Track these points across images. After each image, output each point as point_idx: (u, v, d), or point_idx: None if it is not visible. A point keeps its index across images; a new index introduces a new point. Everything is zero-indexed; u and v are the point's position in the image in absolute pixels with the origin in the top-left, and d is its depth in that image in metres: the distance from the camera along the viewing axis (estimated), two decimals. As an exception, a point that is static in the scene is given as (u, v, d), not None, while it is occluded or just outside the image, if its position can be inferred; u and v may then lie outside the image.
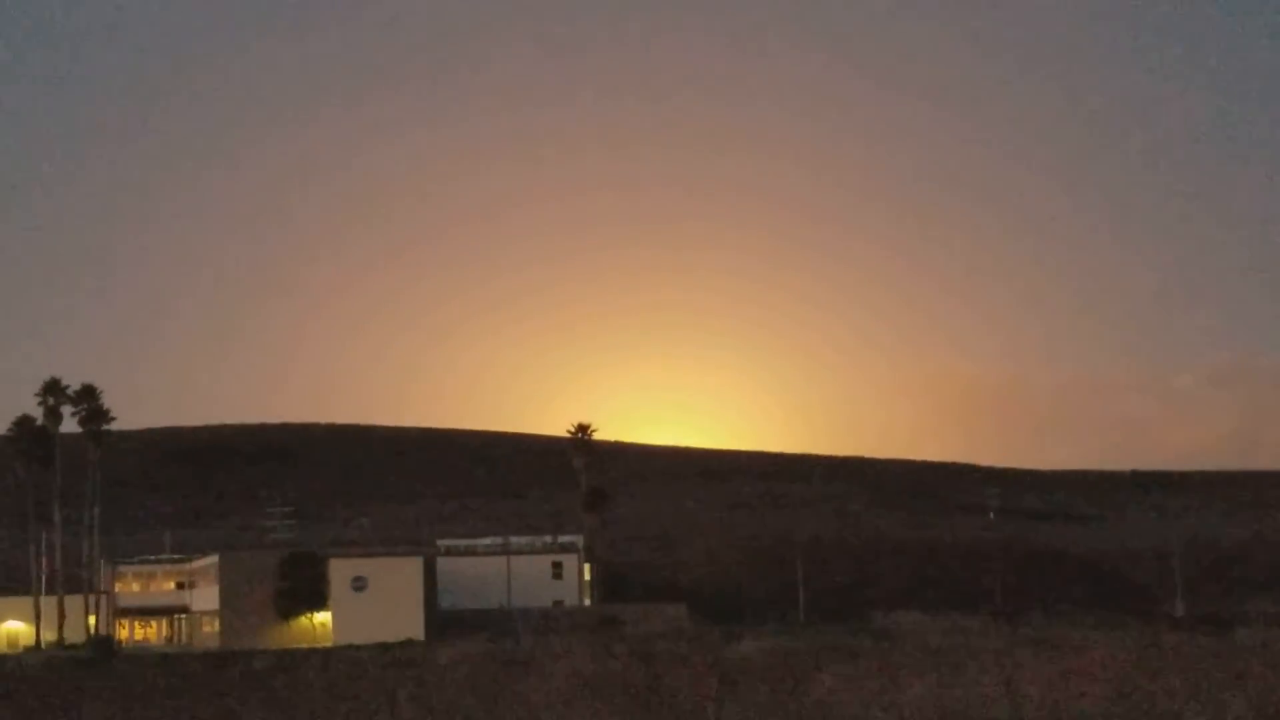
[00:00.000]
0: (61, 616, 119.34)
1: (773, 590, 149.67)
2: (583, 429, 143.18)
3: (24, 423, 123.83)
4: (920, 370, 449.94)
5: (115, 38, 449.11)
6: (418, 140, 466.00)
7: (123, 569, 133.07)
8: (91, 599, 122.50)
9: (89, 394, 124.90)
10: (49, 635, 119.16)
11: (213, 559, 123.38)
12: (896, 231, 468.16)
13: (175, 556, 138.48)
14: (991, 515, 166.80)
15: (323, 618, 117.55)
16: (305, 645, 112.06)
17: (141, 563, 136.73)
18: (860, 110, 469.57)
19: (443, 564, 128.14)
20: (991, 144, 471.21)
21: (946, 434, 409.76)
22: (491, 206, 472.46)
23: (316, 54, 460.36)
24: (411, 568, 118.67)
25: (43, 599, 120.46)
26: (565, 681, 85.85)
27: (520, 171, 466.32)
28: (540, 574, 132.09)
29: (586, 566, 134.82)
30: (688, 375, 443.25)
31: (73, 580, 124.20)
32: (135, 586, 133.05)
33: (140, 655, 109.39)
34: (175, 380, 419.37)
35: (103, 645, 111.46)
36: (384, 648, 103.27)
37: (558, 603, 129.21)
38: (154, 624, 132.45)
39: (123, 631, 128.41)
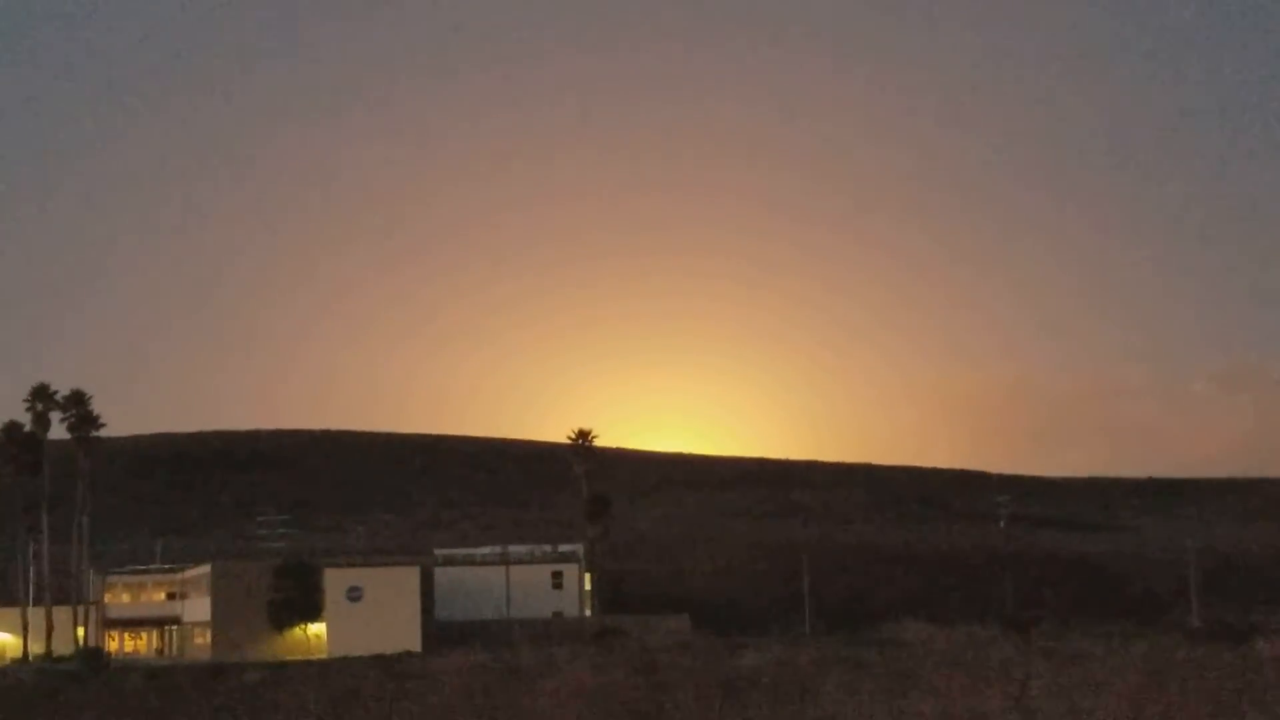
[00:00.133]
0: (49, 628, 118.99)
1: (777, 600, 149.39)
2: (583, 435, 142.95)
3: (12, 429, 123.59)
4: (927, 375, 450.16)
5: (105, 42, 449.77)
6: (416, 145, 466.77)
7: (112, 579, 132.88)
8: (80, 610, 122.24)
9: (78, 399, 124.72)
10: (36, 647, 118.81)
11: (205, 569, 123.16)
12: (901, 235, 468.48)
13: (166, 566, 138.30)
14: (1001, 523, 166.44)
15: (317, 629, 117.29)
16: (299, 657, 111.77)
17: (132, 573, 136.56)
18: (864, 113, 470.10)
19: (440, 574, 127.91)
20: (998, 146, 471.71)
21: (954, 440, 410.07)
22: (491, 212, 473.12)
23: (315, 60, 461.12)
24: (408, 578, 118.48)
25: (30, 610, 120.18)
26: (565, 695, 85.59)
27: (520, 177, 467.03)
28: (540, 584, 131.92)
29: (587, 576, 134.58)
30: (690, 381, 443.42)
31: (61, 590, 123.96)
32: (125, 597, 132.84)
33: (130, 668, 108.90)
34: (167, 386, 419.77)
35: (92, 657, 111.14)
36: (380, 660, 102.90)
37: (558, 614, 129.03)
38: (144, 635, 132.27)
39: (112, 643, 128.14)
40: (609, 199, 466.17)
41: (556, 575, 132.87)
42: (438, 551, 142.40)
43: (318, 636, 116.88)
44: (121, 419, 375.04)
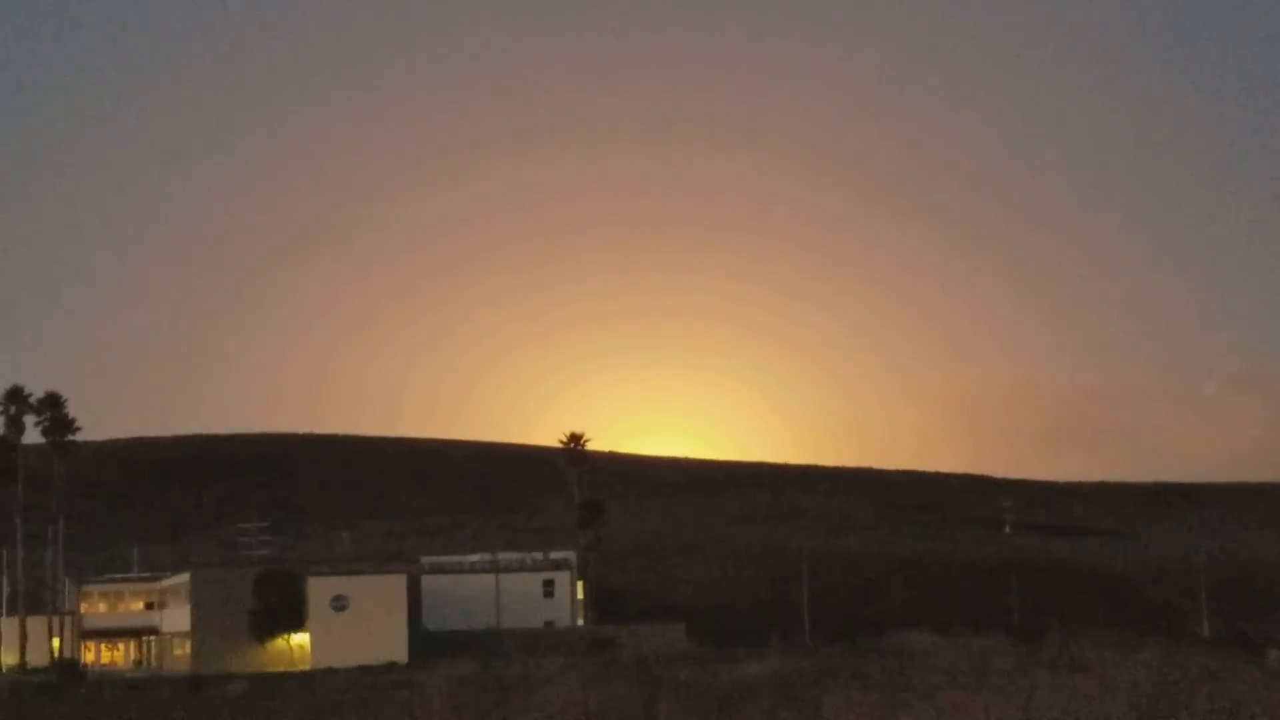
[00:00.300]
0: (23, 638, 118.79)
1: (776, 610, 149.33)
2: (575, 439, 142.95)
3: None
4: (930, 377, 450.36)
5: (77, 42, 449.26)
6: (403, 144, 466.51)
7: (89, 588, 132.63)
8: (56, 620, 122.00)
9: (53, 402, 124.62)
10: (10, 658, 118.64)
11: (184, 577, 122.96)
12: (904, 233, 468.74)
13: (144, 575, 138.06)
14: (1007, 529, 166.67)
15: (301, 639, 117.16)
16: (282, 668, 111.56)
17: (109, 581, 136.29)
18: (865, 111, 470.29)
19: (428, 582, 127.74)
20: (1003, 145, 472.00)
21: (957, 444, 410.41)
22: (480, 210, 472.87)
23: (300, 60, 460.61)
24: (395, 586, 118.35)
25: (4, 620, 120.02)
26: (557, 707, 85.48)
27: (510, 174, 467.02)
28: (531, 592, 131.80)
29: (580, 584, 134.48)
30: (685, 383, 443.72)
31: (36, 600, 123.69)
32: (102, 606, 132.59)
33: (107, 680, 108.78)
34: (145, 388, 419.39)
35: (67, 669, 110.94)
36: (366, 671, 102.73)
37: (549, 623, 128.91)
38: (122, 646, 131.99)
39: (89, 654, 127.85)
40: (602, 196, 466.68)
41: (548, 583, 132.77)
42: (425, 559, 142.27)
43: (301, 647, 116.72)
44: (98, 422, 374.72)
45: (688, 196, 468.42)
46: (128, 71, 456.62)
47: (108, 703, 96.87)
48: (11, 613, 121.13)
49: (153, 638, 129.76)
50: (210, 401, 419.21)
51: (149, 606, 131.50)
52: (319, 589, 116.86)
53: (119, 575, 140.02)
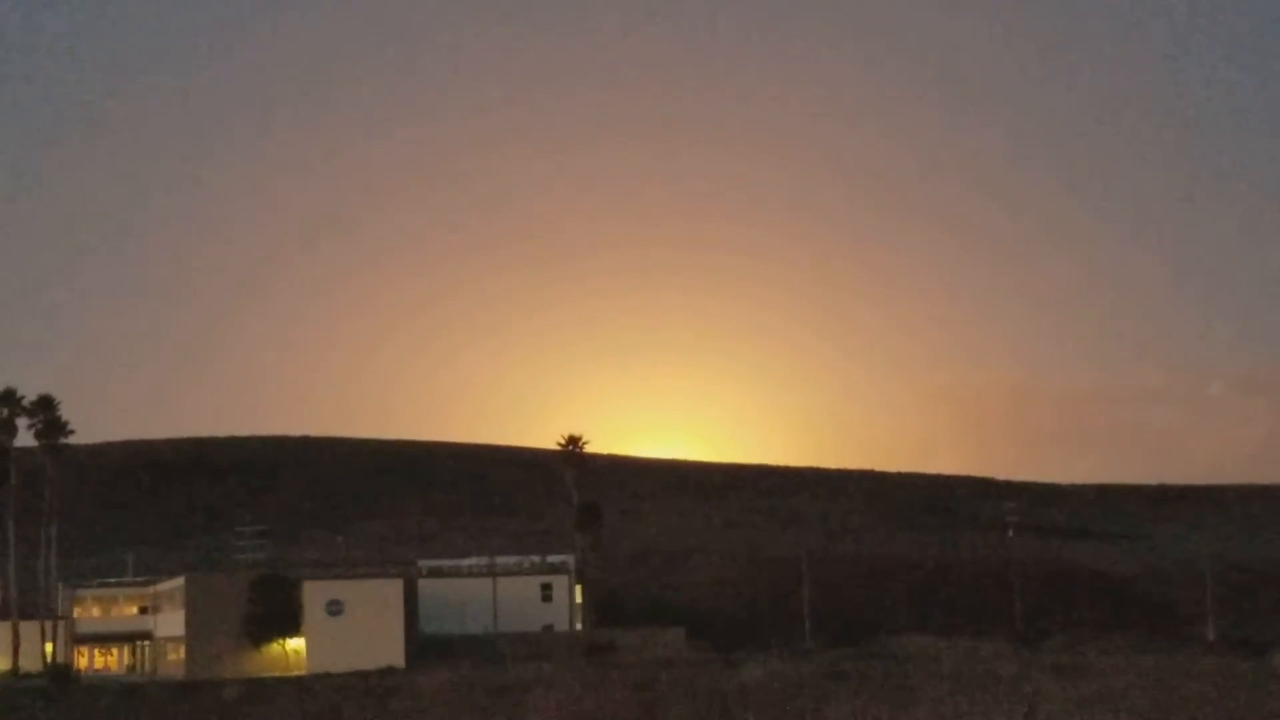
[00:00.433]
0: (16, 644, 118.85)
1: (776, 613, 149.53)
2: (573, 441, 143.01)
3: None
4: (932, 377, 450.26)
5: (66, 43, 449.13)
6: (396, 144, 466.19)
7: (82, 593, 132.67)
8: (48, 625, 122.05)
9: (46, 405, 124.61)
10: (2, 664, 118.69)
11: (178, 582, 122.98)
12: (905, 234, 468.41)
13: (138, 579, 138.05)
14: (1010, 532, 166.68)
15: (296, 644, 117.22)
16: (278, 674, 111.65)
17: (102, 586, 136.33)
18: (867, 109, 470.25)
19: (424, 586, 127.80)
20: (1006, 145, 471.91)
21: (960, 446, 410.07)
22: (475, 209, 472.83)
23: (292, 60, 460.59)
24: (391, 590, 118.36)
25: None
26: (555, 712, 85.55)
27: (504, 173, 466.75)
28: (529, 596, 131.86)
29: (578, 588, 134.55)
30: (685, 384, 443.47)
31: (28, 605, 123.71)
32: (95, 611, 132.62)
33: (100, 685, 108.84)
34: (139, 390, 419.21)
35: (60, 674, 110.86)
36: (362, 676, 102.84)
37: (547, 627, 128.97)
38: (115, 651, 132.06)
39: (81, 660, 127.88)
40: (599, 195, 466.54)
41: (546, 587, 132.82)
42: (422, 563, 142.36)
43: (297, 652, 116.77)
44: (92, 425, 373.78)
45: (687, 195, 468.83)
46: (121, 73, 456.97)
47: (101, 708, 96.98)
48: (4, 617, 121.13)
49: (147, 643, 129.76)
50: (204, 404, 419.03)
51: (143, 611, 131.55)
52: (314, 593, 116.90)
53: (112, 579, 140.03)
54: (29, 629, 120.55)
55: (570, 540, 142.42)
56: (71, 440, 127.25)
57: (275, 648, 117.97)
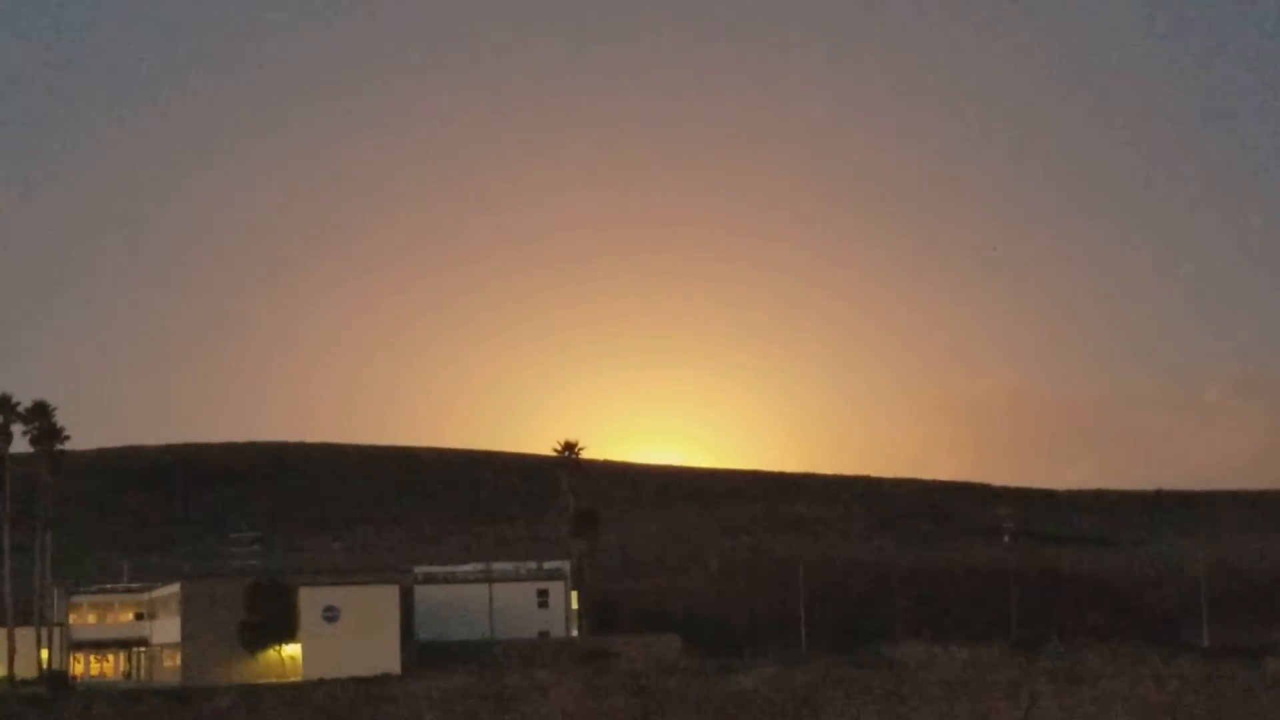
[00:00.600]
0: (11, 650, 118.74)
1: (772, 619, 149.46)
2: (570, 447, 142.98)
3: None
4: (927, 382, 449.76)
5: (63, 49, 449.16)
6: (391, 148, 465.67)
7: (77, 599, 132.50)
8: (44, 631, 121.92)
9: (41, 411, 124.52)
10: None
11: (174, 588, 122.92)
12: (901, 239, 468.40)
13: (134, 585, 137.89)
14: (1006, 538, 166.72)
15: (292, 650, 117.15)
16: (274, 680, 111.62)
17: (98, 592, 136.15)
18: (865, 113, 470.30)
19: (420, 592, 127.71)
20: (1004, 147, 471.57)
21: (957, 451, 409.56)
22: (470, 211, 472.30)
23: (287, 66, 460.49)
24: (387, 596, 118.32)
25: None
26: (552, 718, 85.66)
27: (501, 177, 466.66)
28: (525, 603, 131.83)
29: (574, 594, 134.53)
30: (682, 389, 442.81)
31: (24, 611, 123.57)
32: (91, 618, 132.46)
33: (96, 691, 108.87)
34: (134, 397, 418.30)
35: (56, 681, 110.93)
36: (358, 683, 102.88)
37: (543, 634, 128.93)
38: (111, 658, 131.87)
39: (77, 666, 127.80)
40: (597, 199, 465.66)
41: (542, 594, 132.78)
42: (418, 569, 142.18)
43: (293, 658, 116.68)
44: (87, 431, 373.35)
45: (684, 200, 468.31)
46: (114, 79, 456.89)
47: (97, 715, 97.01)
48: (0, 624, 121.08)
49: (142, 649, 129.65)
50: (200, 410, 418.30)
51: (138, 617, 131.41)
52: (310, 599, 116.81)
53: (108, 586, 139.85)
54: (24, 635, 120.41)
55: (566, 546, 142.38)
56: (67, 446, 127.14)
57: (271, 654, 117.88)
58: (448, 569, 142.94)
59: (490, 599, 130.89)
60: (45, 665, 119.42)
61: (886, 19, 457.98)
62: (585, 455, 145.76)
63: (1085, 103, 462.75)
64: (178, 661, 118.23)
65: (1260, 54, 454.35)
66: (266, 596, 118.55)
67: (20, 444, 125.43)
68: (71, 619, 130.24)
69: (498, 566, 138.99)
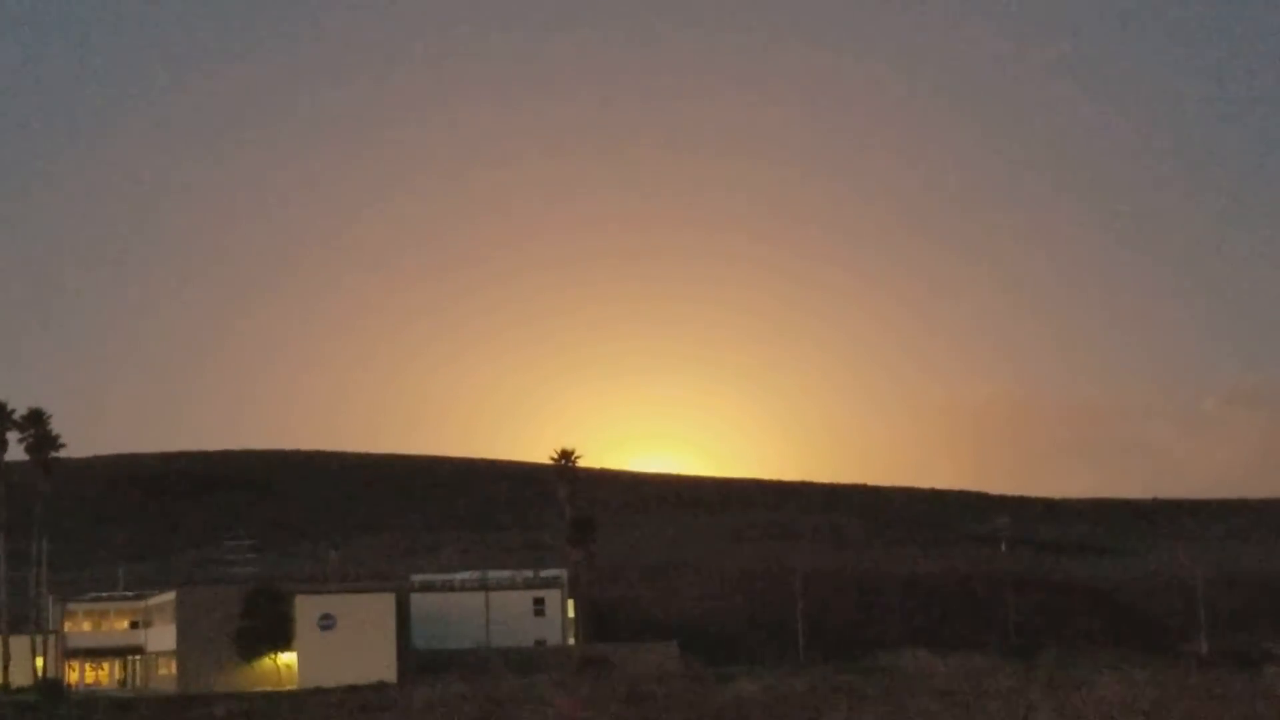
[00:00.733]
0: (6, 658, 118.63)
1: (770, 628, 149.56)
2: (566, 455, 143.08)
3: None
4: (926, 392, 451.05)
5: (62, 56, 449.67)
6: (388, 153, 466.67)
7: (73, 607, 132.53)
8: (39, 639, 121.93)
9: (37, 419, 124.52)
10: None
11: (169, 596, 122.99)
12: (903, 247, 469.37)
13: (129, 593, 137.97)
14: (1004, 546, 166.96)
15: (288, 658, 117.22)
16: (269, 688, 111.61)
17: (93, 600, 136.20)
18: (868, 121, 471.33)
19: (416, 600, 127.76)
20: (1005, 158, 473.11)
21: (955, 460, 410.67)
22: (467, 218, 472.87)
23: (283, 71, 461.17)
24: (383, 604, 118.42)
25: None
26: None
27: (498, 183, 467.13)
28: (521, 611, 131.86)
29: (571, 603, 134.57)
30: (680, 397, 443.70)
31: (19, 619, 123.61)
32: (86, 625, 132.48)
33: (91, 699, 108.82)
34: (130, 404, 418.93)
35: (51, 689, 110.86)
36: (354, 690, 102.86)
37: (540, 642, 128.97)
38: (106, 665, 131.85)
39: (72, 674, 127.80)
40: (595, 202, 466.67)
41: (539, 602, 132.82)
42: (414, 577, 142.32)
43: (288, 667, 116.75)
44: (82, 439, 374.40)
45: (684, 206, 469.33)
46: (109, 85, 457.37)
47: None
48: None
49: (138, 657, 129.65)
50: (196, 418, 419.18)
51: (134, 625, 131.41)
52: (306, 607, 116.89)
53: (104, 593, 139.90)
54: (19, 643, 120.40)
55: (563, 554, 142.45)
56: (62, 454, 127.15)
57: (267, 662, 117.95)
58: (444, 577, 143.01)
59: (487, 607, 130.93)
60: (40, 673, 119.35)
61: (891, 27, 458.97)
62: (583, 462, 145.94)
63: (1090, 111, 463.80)
64: (173, 669, 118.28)
65: (1263, 65, 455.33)
66: (262, 604, 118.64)
67: (16, 451, 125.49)
68: (67, 627, 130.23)
69: (494, 574, 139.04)
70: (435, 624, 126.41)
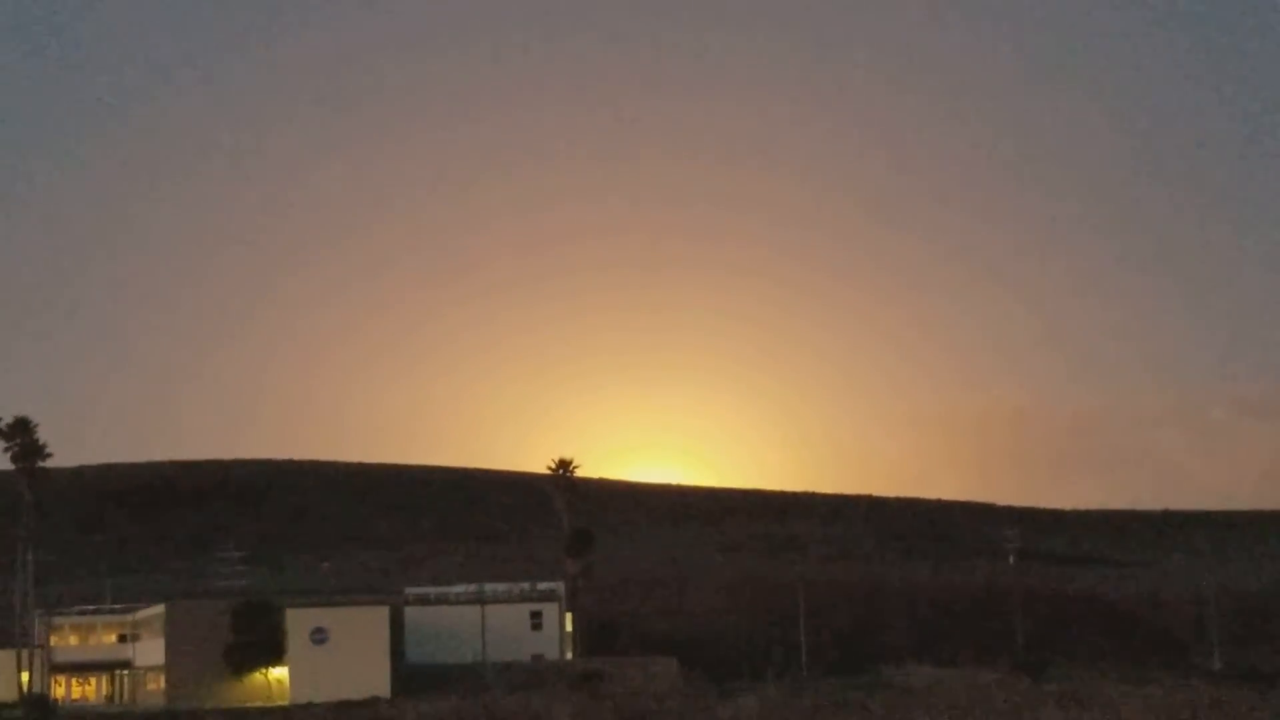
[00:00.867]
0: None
1: (772, 641, 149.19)
2: (564, 465, 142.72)
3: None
4: (932, 400, 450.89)
5: (54, 62, 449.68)
6: (383, 162, 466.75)
7: (59, 620, 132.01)
8: (25, 654, 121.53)
9: (23, 428, 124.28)
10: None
11: (158, 609, 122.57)
12: (907, 255, 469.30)
13: (117, 607, 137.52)
14: (1011, 559, 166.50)
15: (279, 673, 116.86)
16: (260, 704, 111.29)
17: (80, 613, 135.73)
18: (868, 127, 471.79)
19: (411, 614, 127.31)
20: (1009, 164, 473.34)
21: (961, 470, 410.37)
22: (464, 226, 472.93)
23: (281, 75, 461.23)
24: (377, 618, 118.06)
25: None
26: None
27: (495, 191, 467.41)
28: (518, 625, 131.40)
29: (568, 616, 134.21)
30: (680, 407, 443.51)
31: (4, 633, 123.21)
32: (73, 639, 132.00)
33: (79, 715, 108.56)
34: (118, 414, 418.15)
35: (37, 704, 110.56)
36: (346, 706, 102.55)
37: (537, 656, 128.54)
38: (93, 681, 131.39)
39: (59, 689, 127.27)
40: (593, 209, 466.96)
41: (536, 615, 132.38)
42: (408, 590, 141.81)
43: (280, 681, 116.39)
44: (69, 448, 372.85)
45: (682, 214, 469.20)
46: (103, 89, 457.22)
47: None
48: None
49: (126, 672, 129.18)
50: (185, 427, 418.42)
51: (122, 639, 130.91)
52: (298, 621, 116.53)
53: (91, 607, 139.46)
54: (4, 658, 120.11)
55: (561, 567, 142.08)
56: (49, 464, 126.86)
57: (258, 677, 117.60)
58: (439, 590, 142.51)
59: (482, 621, 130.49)
60: (26, 688, 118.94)
61: (891, 33, 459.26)
62: (581, 473, 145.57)
63: (1093, 118, 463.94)
64: (162, 684, 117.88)
65: (1267, 73, 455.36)
66: (253, 618, 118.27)
67: (1, 461, 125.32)
68: (53, 641, 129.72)
69: (490, 587, 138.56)
70: (430, 638, 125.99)
